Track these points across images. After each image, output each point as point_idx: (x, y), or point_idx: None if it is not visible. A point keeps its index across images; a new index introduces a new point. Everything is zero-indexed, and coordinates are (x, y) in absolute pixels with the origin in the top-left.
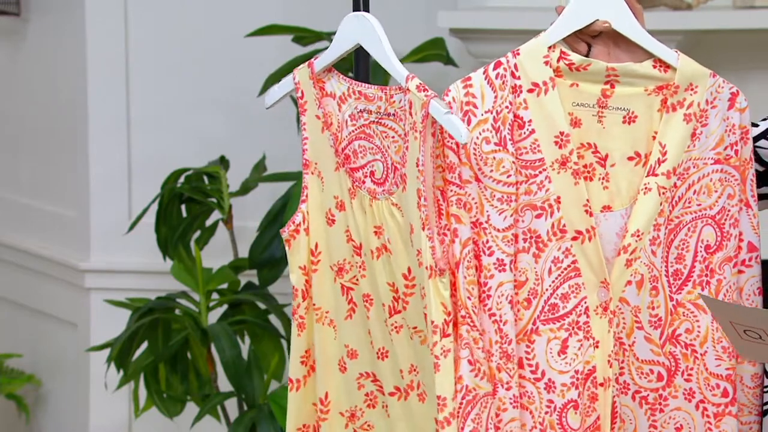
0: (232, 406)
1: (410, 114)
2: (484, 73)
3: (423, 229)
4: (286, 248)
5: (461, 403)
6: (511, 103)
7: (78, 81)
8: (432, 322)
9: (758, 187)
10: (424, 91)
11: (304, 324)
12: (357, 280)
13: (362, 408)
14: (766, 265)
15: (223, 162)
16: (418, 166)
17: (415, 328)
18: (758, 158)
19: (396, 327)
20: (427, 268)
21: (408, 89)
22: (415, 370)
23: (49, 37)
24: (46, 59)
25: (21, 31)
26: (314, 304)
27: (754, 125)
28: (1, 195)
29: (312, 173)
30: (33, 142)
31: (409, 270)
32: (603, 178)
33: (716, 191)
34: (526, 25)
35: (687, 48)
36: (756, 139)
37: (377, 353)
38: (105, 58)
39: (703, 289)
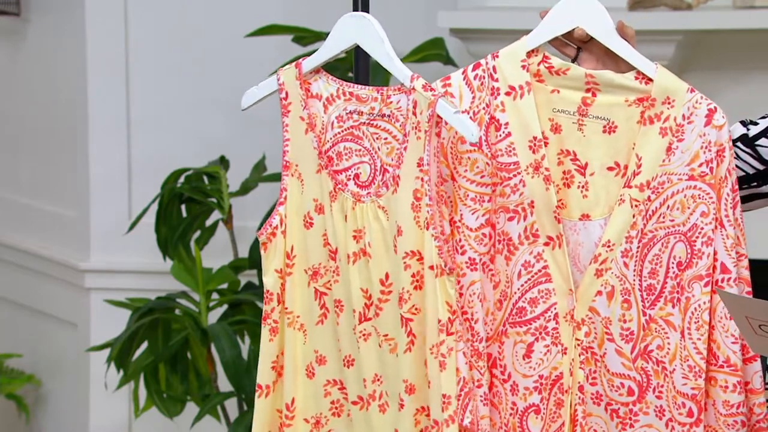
0: (232, 406)
1: (414, 114)
2: (463, 74)
3: (428, 228)
4: (262, 251)
5: (460, 395)
6: (488, 105)
7: (78, 81)
8: (438, 320)
9: (759, 186)
10: (430, 90)
11: (277, 329)
12: (330, 285)
13: (327, 416)
14: (758, 264)
15: (223, 162)
16: (420, 165)
17: (386, 336)
18: (759, 157)
19: (364, 335)
20: (431, 267)
21: (413, 89)
22: (378, 379)
23: (49, 37)
24: (46, 59)
25: (21, 31)
26: (286, 308)
27: (753, 123)
28: (1, 195)
29: (292, 175)
30: (33, 142)
31: (387, 276)
32: (582, 187)
33: (689, 208)
34: (526, 25)
35: (687, 48)
36: (756, 137)
37: (344, 360)
38: (105, 58)
39: (674, 307)
